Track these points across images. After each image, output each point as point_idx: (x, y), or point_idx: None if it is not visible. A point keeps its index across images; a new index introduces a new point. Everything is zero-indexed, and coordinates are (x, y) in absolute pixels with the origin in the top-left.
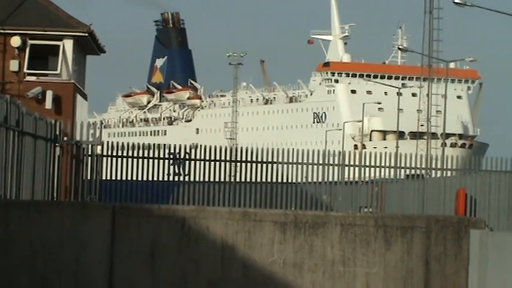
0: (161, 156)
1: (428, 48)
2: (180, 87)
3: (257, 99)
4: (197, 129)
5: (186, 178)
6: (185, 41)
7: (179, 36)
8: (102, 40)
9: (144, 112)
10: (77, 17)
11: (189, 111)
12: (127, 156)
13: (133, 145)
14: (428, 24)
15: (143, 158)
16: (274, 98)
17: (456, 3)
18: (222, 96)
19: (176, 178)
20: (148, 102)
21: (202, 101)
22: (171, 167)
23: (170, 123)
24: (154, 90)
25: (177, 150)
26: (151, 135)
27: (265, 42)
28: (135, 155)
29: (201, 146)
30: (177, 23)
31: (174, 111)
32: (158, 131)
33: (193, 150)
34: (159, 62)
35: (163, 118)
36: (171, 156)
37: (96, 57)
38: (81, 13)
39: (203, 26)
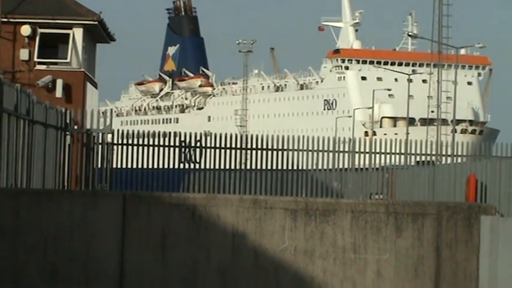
0: (171, 144)
1: (438, 35)
2: (192, 75)
3: (268, 86)
4: (209, 117)
5: (197, 166)
6: (197, 28)
7: (191, 24)
8: (116, 28)
9: (157, 100)
10: (89, 5)
11: (201, 99)
12: (137, 145)
13: (143, 133)
14: (438, 10)
15: (154, 146)
16: (285, 85)
17: None
18: (233, 83)
19: (187, 166)
20: (161, 90)
21: (214, 89)
22: (182, 155)
23: (182, 111)
24: (167, 78)
25: (188, 138)
26: (163, 123)
27: (276, 30)
28: (146, 143)
29: (211, 133)
30: (189, 11)
31: (186, 99)
32: (170, 118)
33: (203, 138)
34: (171, 50)
35: (175, 106)
36: (182, 144)
37: (109, 46)
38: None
39: (215, 14)
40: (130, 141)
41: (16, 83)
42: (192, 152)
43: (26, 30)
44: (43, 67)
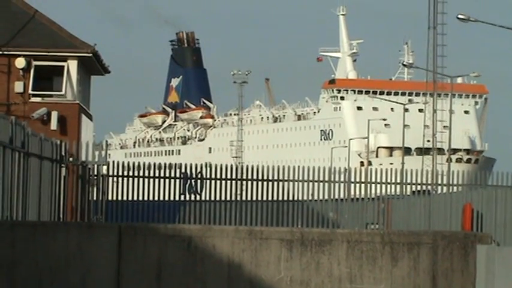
0: (167, 175)
1: (433, 64)
2: (193, 106)
3: (268, 117)
4: (210, 148)
5: (198, 197)
6: (200, 60)
7: (194, 56)
8: (121, 61)
9: (159, 132)
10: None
11: (202, 131)
12: (133, 176)
13: (138, 165)
14: (433, 40)
15: (149, 177)
16: (283, 116)
17: (460, 18)
18: (236, 114)
19: (188, 197)
20: (163, 122)
21: (215, 120)
22: (185, 186)
23: (184, 142)
24: (169, 110)
25: (186, 170)
26: (165, 154)
27: (276, 60)
28: (142, 174)
29: (206, 164)
30: (192, 42)
31: (188, 130)
32: (172, 150)
33: (204, 170)
34: (175, 82)
35: (178, 138)
36: (182, 176)
37: (110, 77)
38: (105, 35)
39: (218, 45)
40: (126, 173)
41: (11, 116)
42: (193, 183)
43: (20, 62)
44: (38, 99)
